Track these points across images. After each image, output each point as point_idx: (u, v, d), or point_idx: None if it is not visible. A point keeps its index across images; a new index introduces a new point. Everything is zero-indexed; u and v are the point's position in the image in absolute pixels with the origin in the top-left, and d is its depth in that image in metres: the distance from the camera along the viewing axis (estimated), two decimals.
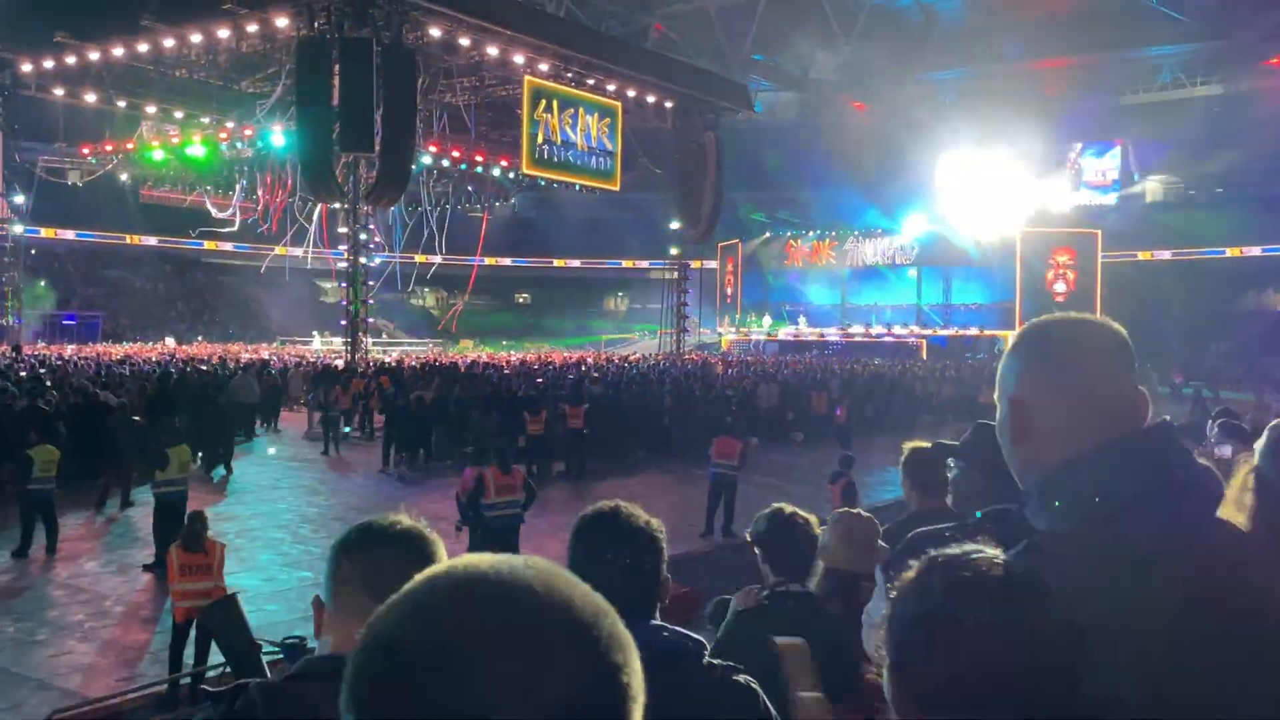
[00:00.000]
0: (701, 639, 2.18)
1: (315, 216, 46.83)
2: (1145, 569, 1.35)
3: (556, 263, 72.49)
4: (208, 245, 58.27)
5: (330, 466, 20.44)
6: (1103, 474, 1.43)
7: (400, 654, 0.77)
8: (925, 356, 49.42)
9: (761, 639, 3.05)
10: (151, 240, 62.10)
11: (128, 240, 61.13)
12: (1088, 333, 1.54)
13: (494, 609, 0.78)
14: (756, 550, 3.47)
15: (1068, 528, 1.43)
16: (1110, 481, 1.42)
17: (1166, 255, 59.86)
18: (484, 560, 0.83)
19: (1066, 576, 1.34)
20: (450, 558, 0.94)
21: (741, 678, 2.19)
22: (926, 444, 3.67)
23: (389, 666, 0.77)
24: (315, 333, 52.61)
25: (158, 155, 41.99)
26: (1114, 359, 1.51)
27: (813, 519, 3.55)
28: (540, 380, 26.07)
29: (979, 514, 2.80)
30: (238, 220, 49.34)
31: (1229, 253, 57.38)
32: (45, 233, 51.92)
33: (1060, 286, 55.51)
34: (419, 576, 0.83)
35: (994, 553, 1.23)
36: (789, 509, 3.52)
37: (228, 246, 57.91)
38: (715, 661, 2.19)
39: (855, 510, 4.02)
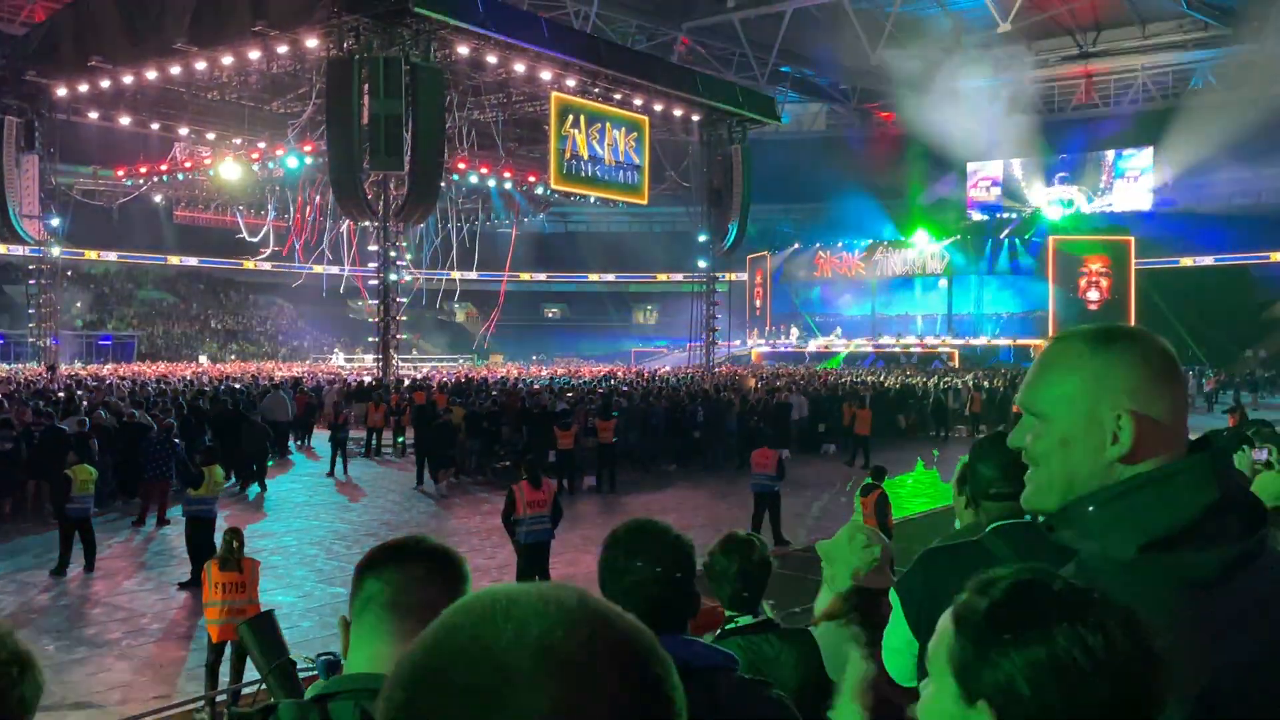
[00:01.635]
0: (732, 654, 2.16)
1: (345, 234, 47.22)
2: (1224, 593, 1.33)
3: (587, 277, 72.72)
4: (245, 264, 58.82)
5: (363, 483, 20.51)
6: (1172, 494, 1.39)
7: (443, 678, 0.77)
8: (958, 366, 49.09)
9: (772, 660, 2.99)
10: (185, 261, 62.87)
11: (163, 261, 61.91)
12: (1170, 348, 1.49)
13: (536, 631, 0.77)
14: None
15: (1128, 551, 1.38)
16: (1180, 502, 1.38)
17: (1201, 261, 59.26)
18: (521, 585, 0.83)
19: (1136, 600, 1.33)
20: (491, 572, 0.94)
21: (774, 692, 2.17)
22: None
23: (433, 690, 0.77)
24: (338, 349, 52.95)
25: (191, 177, 42.49)
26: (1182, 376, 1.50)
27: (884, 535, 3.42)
28: (570, 394, 26.12)
29: (991, 527, 2.77)
30: (271, 240, 49.84)
31: (1273, 257, 56.67)
32: (82, 254, 52.65)
33: (1094, 294, 55.05)
34: (457, 603, 0.83)
35: (1053, 571, 1.17)
36: (745, 534, 3.36)
37: (262, 266, 58.43)
38: (747, 676, 2.18)
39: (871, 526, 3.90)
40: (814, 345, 57.53)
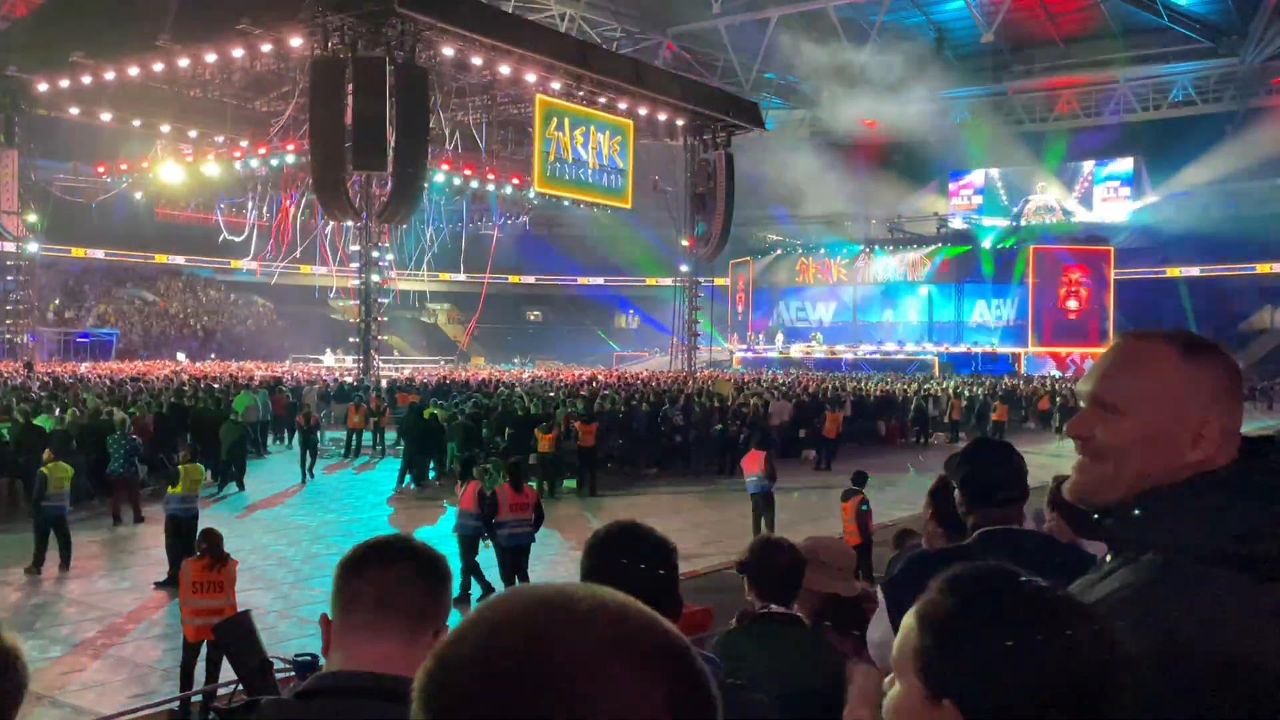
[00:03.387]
0: (715, 657, 2.16)
1: (328, 235, 47.05)
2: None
3: (569, 280, 72.67)
4: (233, 264, 58.45)
5: (342, 485, 20.43)
6: (1244, 493, 1.43)
7: (497, 672, 0.76)
8: (937, 373, 49.29)
9: (741, 659, 3.09)
10: (165, 258, 62.47)
11: (142, 259, 61.49)
12: (1239, 366, 1.55)
13: (597, 628, 0.78)
14: (744, 577, 3.46)
15: (1203, 546, 1.40)
16: (1252, 501, 1.42)
17: (1179, 273, 59.73)
18: (558, 584, 0.84)
19: (1206, 598, 1.34)
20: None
21: (757, 695, 2.18)
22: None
23: (488, 686, 0.76)
24: (328, 350, 52.73)
25: (172, 174, 42.24)
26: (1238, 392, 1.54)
27: (845, 542, 3.57)
28: (551, 396, 26.10)
29: (979, 532, 2.79)
30: (254, 240, 49.62)
31: (1258, 269, 57.14)
32: (59, 251, 52.24)
33: (1073, 304, 55.38)
34: (498, 596, 0.83)
35: (1017, 571, 1.17)
36: (775, 536, 3.54)
37: (241, 264, 58.08)
38: (730, 680, 2.18)
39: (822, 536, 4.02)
40: (795, 351, 57.64)
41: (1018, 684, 1.09)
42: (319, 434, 22.40)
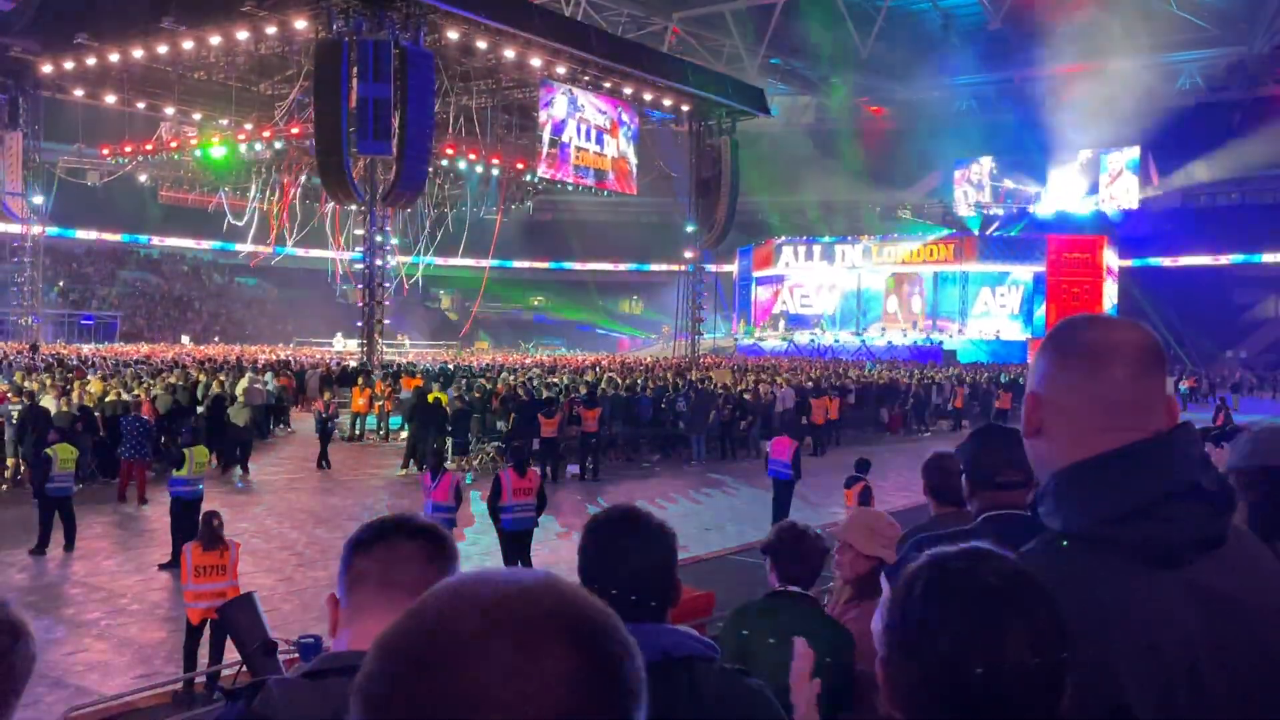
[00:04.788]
0: (713, 642, 2.17)
1: (331, 218, 47.01)
2: (1175, 572, 1.36)
3: (573, 265, 72.58)
4: (238, 248, 58.34)
5: (345, 467, 20.45)
6: (1126, 474, 1.41)
7: (395, 651, 0.78)
8: (942, 361, 49.24)
9: (754, 634, 3.24)
10: (170, 241, 62.45)
11: (147, 241, 61.50)
12: (1117, 335, 1.50)
13: (489, 606, 0.78)
14: (766, 559, 3.55)
15: (1082, 527, 1.41)
16: (1135, 482, 1.41)
17: (1183, 261, 59.59)
18: (493, 569, 0.84)
19: (1078, 577, 1.34)
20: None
21: (753, 681, 2.18)
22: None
23: (386, 663, 0.78)
24: (339, 334, 52.77)
25: (176, 156, 42.21)
26: (1141, 363, 1.48)
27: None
28: (554, 381, 26.11)
29: (982, 516, 2.80)
30: (255, 223, 49.56)
31: (1263, 259, 56.98)
32: (64, 233, 52.26)
33: (1076, 291, 55.25)
34: (441, 582, 0.84)
35: (989, 552, 1.19)
36: (801, 524, 3.62)
37: (244, 248, 58.09)
38: (727, 665, 2.19)
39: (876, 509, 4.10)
40: (798, 338, 57.58)
41: (939, 661, 1.13)
42: (335, 426, 22.17)
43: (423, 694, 0.75)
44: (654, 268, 66.98)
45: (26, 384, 20.08)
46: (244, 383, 23.65)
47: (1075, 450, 1.45)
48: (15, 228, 39.94)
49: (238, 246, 55.32)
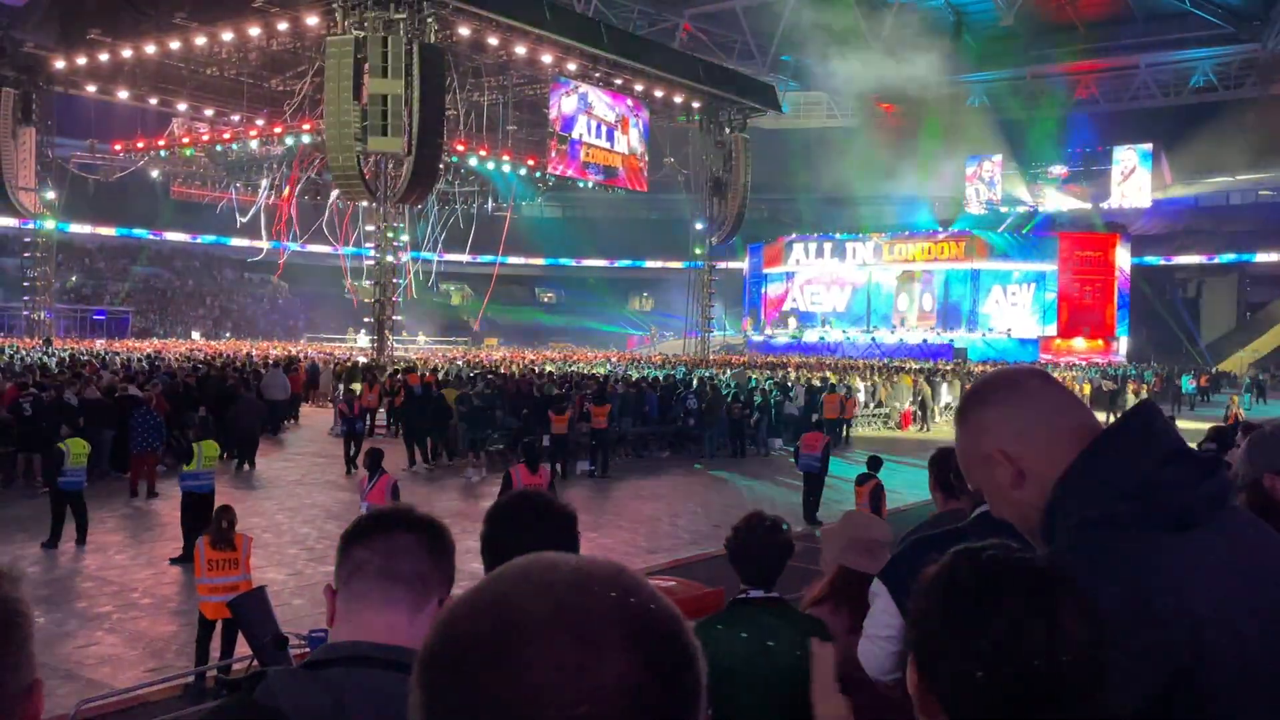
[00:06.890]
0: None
1: (343, 214, 47.08)
2: (1194, 532, 1.42)
3: (583, 262, 72.54)
4: (250, 243, 58.42)
5: (355, 463, 20.43)
6: (1119, 454, 1.48)
7: (460, 637, 0.78)
8: (952, 359, 49.11)
9: (716, 645, 3.06)
10: (182, 236, 62.60)
11: (158, 237, 61.65)
12: (1009, 372, 1.66)
13: (553, 594, 0.77)
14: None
15: (1102, 513, 1.45)
16: (1130, 458, 1.47)
17: (1196, 259, 59.33)
18: (558, 554, 0.83)
19: (1114, 556, 1.40)
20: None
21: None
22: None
23: (450, 646, 0.78)
24: (351, 329, 52.85)
25: (188, 152, 42.33)
26: (1043, 376, 1.66)
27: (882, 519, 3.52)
28: (565, 378, 26.13)
29: (975, 514, 2.78)
30: (262, 219, 49.67)
31: (1277, 257, 56.64)
32: (77, 228, 52.43)
33: (1089, 290, 55.03)
34: (509, 563, 0.83)
35: (1012, 545, 1.20)
36: (758, 517, 3.41)
37: (258, 244, 58.24)
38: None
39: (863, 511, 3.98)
40: (809, 336, 57.50)
41: (1007, 668, 1.11)
42: (365, 425, 21.79)
43: (481, 678, 0.75)
44: (664, 265, 66.86)
45: (40, 378, 20.15)
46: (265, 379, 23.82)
47: (1058, 467, 1.51)
48: (28, 223, 40.08)
49: (250, 243, 55.41)
